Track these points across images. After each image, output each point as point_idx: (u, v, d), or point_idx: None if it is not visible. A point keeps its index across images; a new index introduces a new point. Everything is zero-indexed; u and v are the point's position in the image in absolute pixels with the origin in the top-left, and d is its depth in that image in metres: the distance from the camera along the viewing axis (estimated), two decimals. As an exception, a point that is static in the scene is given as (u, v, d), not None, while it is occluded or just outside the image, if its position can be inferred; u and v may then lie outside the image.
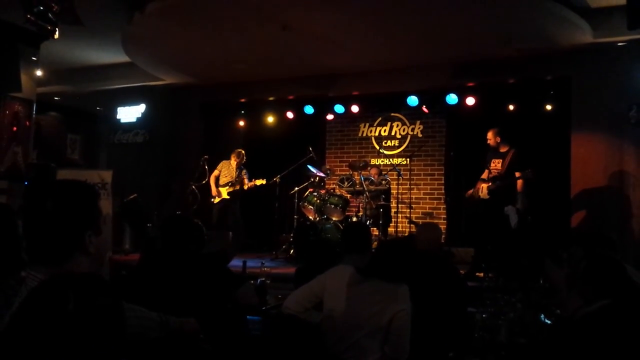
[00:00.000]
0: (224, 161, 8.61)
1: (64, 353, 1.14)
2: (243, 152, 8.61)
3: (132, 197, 8.19)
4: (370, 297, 2.90)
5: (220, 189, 8.46)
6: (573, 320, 2.40)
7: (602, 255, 2.56)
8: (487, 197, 6.70)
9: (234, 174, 8.48)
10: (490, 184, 6.72)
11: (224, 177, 8.52)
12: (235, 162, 8.52)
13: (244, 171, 8.51)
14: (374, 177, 8.39)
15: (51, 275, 1.33)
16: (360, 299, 2.92)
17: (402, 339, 2.87)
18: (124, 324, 1.25)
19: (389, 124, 9.71)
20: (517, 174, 6.57)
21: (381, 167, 8.91)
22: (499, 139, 6.77)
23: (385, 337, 2.86)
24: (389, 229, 8.49)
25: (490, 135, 6.82)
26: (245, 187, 8.34)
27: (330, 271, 3.15)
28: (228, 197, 8.45)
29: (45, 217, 1.49)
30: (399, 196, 8.71)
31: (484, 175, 6.92)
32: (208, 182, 8.49)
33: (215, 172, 8.56)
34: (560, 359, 2.33)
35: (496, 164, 6.78)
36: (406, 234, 8.69)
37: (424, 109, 8.77)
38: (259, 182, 8.25)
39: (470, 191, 6.98)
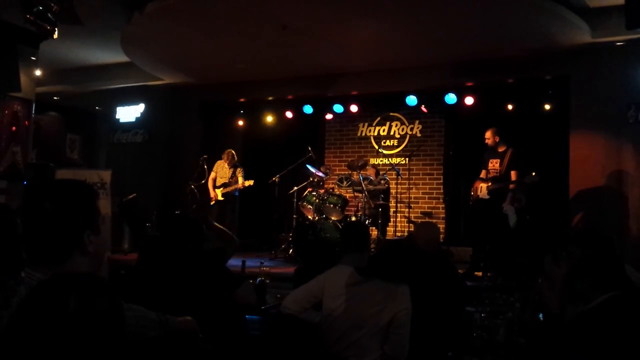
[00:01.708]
0: (218, 162, 8.62)
1: (64, 354, 1.14)
2: (233, 152, 8.60)
3: (131, 196, 8.20)
4: (370, 297, 2.91)
5: (217, 190, 8.46)
6: (571, 317, 2.40)
7: (601, 253, 2.56)
8: (487, 197, 6.71)
9: (228, 174, 8.48)
10: (489, 183, 6.73)
11: (220, 179, 8.53)
12: (227, 163, 8.52)
13: (239, 170, 8.49)
14: (371, 177, 8.40)
15: (50, 275, 1.33)
16: (360, 298, 2.92)
17: (401, 338, 2.88)
18: (124, 324, 1.26)
19: (387, 123, 9.72)
20: (513, 174, 6.57)
21: (379, 167, 8.92)
22: (497, 138, 6.78)
23: (385, 337, 2.86)
24: (388, 229, 8.51)
25: (488, 134, 6.82)
26: (240, 187, 8.34)
27: (329, 271, 3.16)
28: (222, 198, 8.43)
29: (44, 217, 1.49)
30: (398, 196, 8.72)
31: (482, 175, 6.93)
32: (207, 183, 8.49)
33: (212, 175, 8.56)
34: (560, 357, 2.33)
35: (494, 164, 6.79)
36: (405, 234, 8.69)
37: (423, 108, 8.78)
38: (247, 183, 8.23)
39: (473, 194, 6.98)
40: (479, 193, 6.82)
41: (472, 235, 7.22)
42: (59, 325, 1.15)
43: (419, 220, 8.88)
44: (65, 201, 1.52)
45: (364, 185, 7.89)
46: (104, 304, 1.21)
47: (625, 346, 2.13)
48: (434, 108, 8.94)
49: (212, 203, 8.50)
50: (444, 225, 8.95)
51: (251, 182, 8.25)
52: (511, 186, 6.62)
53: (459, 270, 6.35)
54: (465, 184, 8.14)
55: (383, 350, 2.88)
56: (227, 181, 8.45)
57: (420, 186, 9.36)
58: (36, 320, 1.16)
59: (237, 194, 8.57)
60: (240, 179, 8.35)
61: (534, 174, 6.37)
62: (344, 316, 2.92)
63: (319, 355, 2.97)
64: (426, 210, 9.29)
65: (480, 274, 6.40)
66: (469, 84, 8.17)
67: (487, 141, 6.84)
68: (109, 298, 1.23)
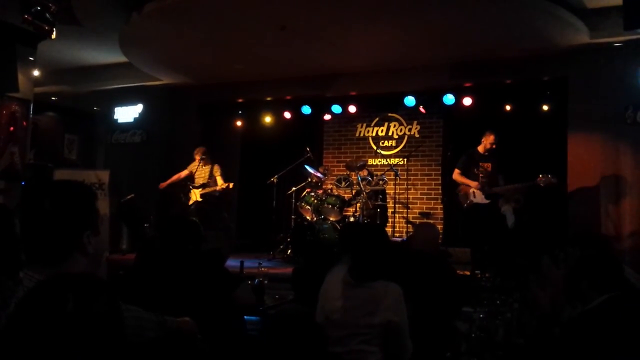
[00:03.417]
0: (192, 163, 8.33)
1: (62, 354, 1.14)
2: (203, 149, 8.26)
3: (129, 197, 8.19)
4: (362, 299, 2.86)
5: (195, 191, 8.19)
6: (570, 318, 2.41)
7: (600, 254, 2.57)
8: (487, 201, 6.70)
9: (205, 174, 8.19)
10: (483, 187, 6.72)
11: (198, 179, 8.24)
12: (200, 163, 8.18)
13: (215, 168, 8.20)
14: (368, 178, 8.41)
15: (49, 275, 1.33)
16: (353, 301, 2.89)
17: (399, 341, 2.85)
18: (122, 324, 1.25)
19: (386, 124, 9.72)
20: (540, 177, 6.49)
21: (376, 168, 8.92)
22: (496, 143, 6.81)
23: (383, 339, 2.84)
24: (386, 229, 8.51)
25: (493, 139, 6.80)
26: (218, 189, 8.05)
27: (330, 272, 3.15)
28: (201, 199, 8.13)
29: (44, 217, 1.49)
30: (396, 196, 8.72)
31: (458, 175, 6.88)
32: (206, 184, 8.27)
33: (185, 172, 8.28)
34: (561, 357, 2.34)
35: (487, 167, 6.80)
36: (404, 235, 8.70)
37: (421, 109, 8.77)
38: (225, 184, 7.96)
39: (462, 192, 6.92)
40: (472, 198, 6.76)
41: (472, 238, 7.21)
42: (57, 325, 1.14)
43: (417, 221, 8.89)
44: (66, 201, 1.52)
45: (362, 186, 7.89)
46: (103, 305, 1.21)
47: (623, 347, 2.13)
48: (432, 109, 8.95)
49: (189, 203, 8.23)
50: (441, 226, 8.95)
51: (230, 185, 8.00)
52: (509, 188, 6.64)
53: (466, 273, 6.38)
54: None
55: (384, 352, 2.86)
56: (205, 181, 8.16)
57: (419, 187, 9.36)
58: (34, 321, 1.16)
59: (217, 194, 8.24)
60: (219, 180, 8.11)
61: (549, 176, 6.37)
62: (340, 320, 2.90)
63: (319, 356, 2.96)
64: (424, 210, 9.29)
65: (478, 275, 6.40)
66: (467, 84, 8.17)
67: (493, 145, 6.81)
68: (107, 298, 1.23)
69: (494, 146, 6.81)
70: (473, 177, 6.81)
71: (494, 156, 6.82)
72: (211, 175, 8.22)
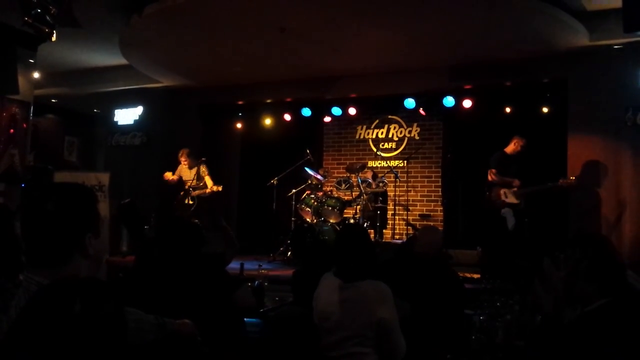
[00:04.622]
0: (179, 167, 8.33)
1: (68, 356, 1.14)
2: (187, 150, 8.23)
3: (128, 199, 8.18)
4: (354, 301, 2.87)
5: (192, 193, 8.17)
6: (570, 320, 2.40)
7: (600, 255, 2.56)
8: (517, 201, 6.72)
9: (191, 175, 8.12)
10: (515, 189, 6.75)
11: (187, 181, 8.18)
12: (185, 164, 8.17)
13: (202, 169, 8.08)
14: (369, 179, 8.41)
15: (55, 278, 1.33)
16: (346, 304, 2.89)
17: (392, 341, 2.84)
18: (126, 327, 1.26)
19: (386, 126, 9.72)
20: (561, 181, 6.66)
21: (376, 170, 8.92)
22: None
23: (377, 340, 2.84)
24: (386, 231, 8.51)
25: (524, 143, 6.92)
26: (207, 192, 7.96)
27: (323, 276, 3.15)
28: (192, 202, 8.07)
29: (46, 219, 1.49)
30: (396, 198, 8.72)
31: (496, 178, 6.88)
32: (195, 186, 8.18)
33: (174, 177, 8.27)
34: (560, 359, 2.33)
35: (514, 170, 6.87)
36: (404, 237, 8.69)
37: (421, 111, 8.78)
38: (215, 188, 7.87)
39: (494, 194, 6.90)
40: (504, 198, 6.77)
41: (473, 237, 7.20)
42: (63, 328, 1.15)
43: (417, 223, 8.89)
44: (68, 203, 1.52)
45: (362, 188, 7.89)
46: (109, 309, 1.21)
47: (623, 350, 2.13)
48: (432, 111, 8.95)
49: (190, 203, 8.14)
50: (442, 228, 8.94)
51: (220, 188, 7.89)
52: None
53: (466, 275, 6.38)
54: (464, 187, 8.14)
55: (379, 353, 2.85)
56: (194, 184, 8.10)
57: (419, 189, 9.36)
58: (41, 323, 1.16)
59: (207, 195, 8.10)
60: (208, 181, 8.03)
61: (572, 178, 6.60)
62: (334, 321, 2.89)
63: (318, 357, 2.96)
64: (424, 212, 9.29)
65: (478, 275, 6.40)
66: (467, 87, 8.18)
67: (522, 149, 6.92)
68: (113, 303, 1.23)
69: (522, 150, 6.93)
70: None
71: (519, 159, 6.91)
72: (199, 177, 8.15)
